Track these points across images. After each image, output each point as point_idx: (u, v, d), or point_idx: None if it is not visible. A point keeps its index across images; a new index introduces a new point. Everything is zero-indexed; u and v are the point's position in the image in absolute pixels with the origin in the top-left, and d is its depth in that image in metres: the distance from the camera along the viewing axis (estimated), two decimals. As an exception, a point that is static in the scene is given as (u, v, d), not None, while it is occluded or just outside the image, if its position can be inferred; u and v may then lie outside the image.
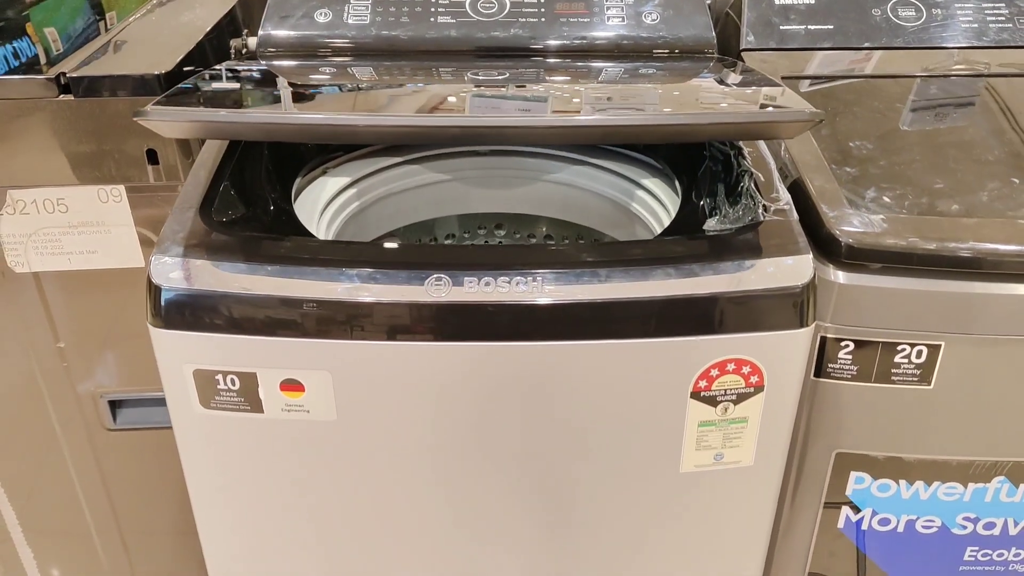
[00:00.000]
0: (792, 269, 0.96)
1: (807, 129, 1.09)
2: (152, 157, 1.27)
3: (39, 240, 1.33)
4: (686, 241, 1.02)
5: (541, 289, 0.93)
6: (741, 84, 1.19)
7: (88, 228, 1.32)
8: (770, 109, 1.02)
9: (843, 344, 1.06)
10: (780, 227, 1.01)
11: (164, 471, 1.51)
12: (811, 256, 0.97)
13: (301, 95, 1.13)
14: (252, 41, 1.42)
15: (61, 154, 1.27)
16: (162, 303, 0.94)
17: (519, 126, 0.99)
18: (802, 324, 0.96)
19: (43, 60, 1.41)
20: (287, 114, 0.97)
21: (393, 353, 0.95)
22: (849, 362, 1.07)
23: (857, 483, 1.17)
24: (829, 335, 1.06)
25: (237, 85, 1.13)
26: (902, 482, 1.16)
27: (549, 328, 0.94)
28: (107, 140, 1.26)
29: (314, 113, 1.00)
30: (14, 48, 1.33)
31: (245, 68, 1.23)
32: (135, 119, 0.90)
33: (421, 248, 1.06)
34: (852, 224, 1.03)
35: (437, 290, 0.93)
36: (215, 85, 1.11)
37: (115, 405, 1.49)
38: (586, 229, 1.52)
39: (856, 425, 1.12)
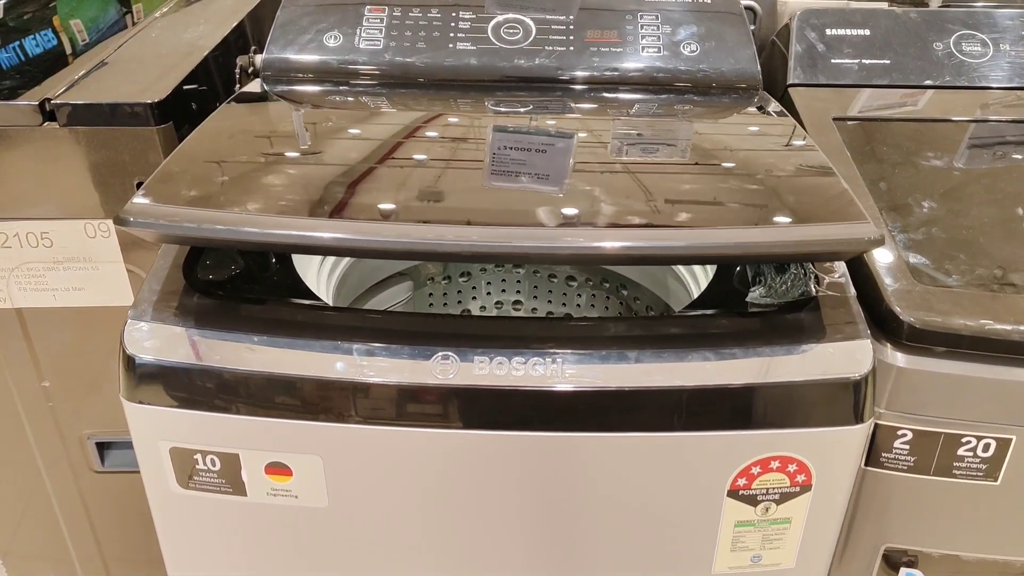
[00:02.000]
0: (849, 357, 0.84)
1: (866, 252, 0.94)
2: (143, 191, 1.17)
3: (22, 275, 1.23)
4: (726, 319, 0.90)
5: (561, 373, 0.82)
6: (785, 161, 1.03)
7: (74, 264, 1.23)
8: (823, 233, 0.84)
9: (900, 433, 0.94)
10: (835, 304, 0.89)
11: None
12: (870, 342, 0.85)
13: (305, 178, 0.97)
14: (259, 59, 1.32)
15: (45, 185, 1.17)
16: (135, 375, 0.84)
17: (541, 251, 0.84)
18: (858, 420, 0.85)
19: (68, 51, 1.35)
20: (287, 231, 0.81)
21: (392, 439, 0.84)
22: (906, 452, 0.95)
23: (908, 580, 1.05)
24: (884, 422, 0.94)
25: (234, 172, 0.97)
26: (959, 582, 1.04)
27: (568, 418, 0.83)
28: (95, 171, 1.16)
29: (315, 231, 0.82)
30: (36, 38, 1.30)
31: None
32: (115, 224, 0.80)
33: (427, 319, 0.94)
34: (915, 300, 0.91)
35: (443, 369, 0.82)
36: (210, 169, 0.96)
37: (103, 447, 1.40)
38: (613, 274, 1.41)
39: (909, 519, 1.00)
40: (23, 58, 1.30)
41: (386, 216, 0.85)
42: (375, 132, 1.11)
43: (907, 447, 0.95)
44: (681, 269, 1.22)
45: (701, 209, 0.89)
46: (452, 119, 1.18)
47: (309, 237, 0.80)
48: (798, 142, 1.05)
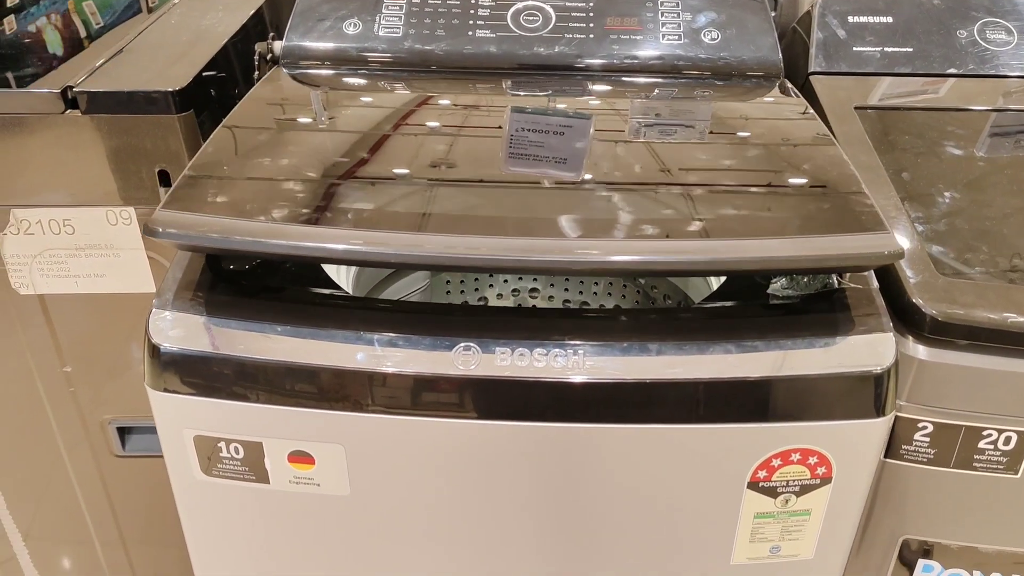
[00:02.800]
0: (871, 350, 0.84)
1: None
2: (164, 179, 1.18)
3: (44, 262, 1.24)
4: (747, 311, 0.90)
5: (582, 364, 0.82)
6: (806, 161, 1.00)
7: (96, 251, 1.23)
8: (842, 248, 0.82)
9: (921, 426, 0.94)
10: (857, 297, 0.89)
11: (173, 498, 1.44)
12: (893, 335, 0.85)
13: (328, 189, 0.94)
14: (277, 46, 1.32)
15: (67, 172, 1.18)
16: (160, 364, 0.85)
17: (565, 263, 0.83)
18: (879, 413, 0.85)
19: (83, 34, 1.37)
20: (310, 243, 0.81)
21: (413, 429, 0.85)
22: (926, 445, 0.95)
23: (925, 571, 1.05)
24: (905, 414, 0.94)
25: (259, 177, 0.95)
26: (977, 573, 1.04)
27: (589, 409, 0.83)
28: (116, 158, 1.17)
29: (336, 243, 0.81)
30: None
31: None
32: (144, 234, 0.80)
33: (449, 309, 0.94)
34: (938, 293, 0.90)
35: (465, 360, 0.83)
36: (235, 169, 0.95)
37: (124, 432, 1.41)
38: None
39: (928, 511, 1.00)
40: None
41: (406, 223, 0.85)
42: (397, 124, 1.11)
43: (927, 439, 0.95)
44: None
45: (716, 215, 0.88)
46: (476, 109, 1.17)
47: (329, 250, 0.81)
48: (819, 139, 1.04)
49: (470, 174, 0.98)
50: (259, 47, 1.36)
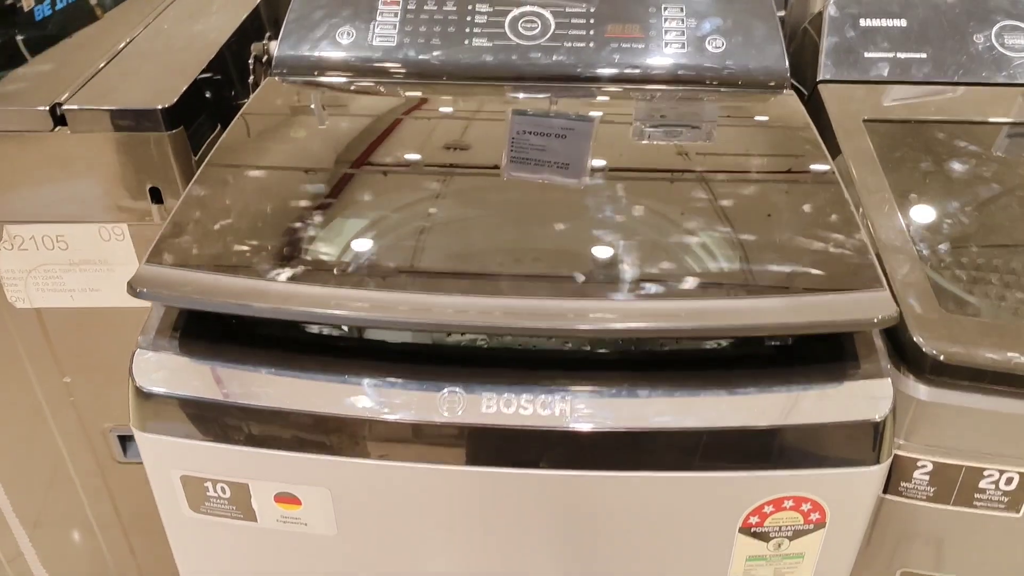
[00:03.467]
0: (868, 396, 0.82)
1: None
2: (156, 196, 1.16)
3: (39, 276, 1.24)
4: (740, 353, 0.88)
5: (569, 412, 0.81)
6: (803, 208, 0.95)
7: (90, 266, 1.23)
8: (831, 313, 0.80)
9: (920, 464, 0.92)
10: (855, 336, 0.86)
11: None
12: (891, 381, 0.83)
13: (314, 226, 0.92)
14: (273, 46, 1.29)
15: (59, 189, 1.17)
16: (145, 406, 0.84)
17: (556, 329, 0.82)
18: (876, 461, 0.82)
19: (93, 2, 1.40)
20: (299, 308, 0.80)
21: (399, 474, 0.83)
22: (925, 483, 0.93)
23: (924, 603, 1.03)
24: (904, 452, 0.92)
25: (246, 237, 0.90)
26: (976, 607, 1.02)
27: (576, 457, 0.82)
28: (107, 176, 1.15)
29: (329, 309, 0.80)
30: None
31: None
32: (128, 293, 0.79)
33: (436, 352, 0.93)
34: (940, 331, 0.88)
35: (450, 405, 0.81)
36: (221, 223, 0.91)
37: (125, 439, 1.42)
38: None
39: (927, 546, 0.99)
40: (51, 12, 1.34)
41: (404, 277, 0.84)
42: (393, 141, 1.08)
43: (927, 478, 0.93)
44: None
45: (704, 269, 0.85)
46: (475, 120, 1.15)
47: (319, 315, 0.80)
48: (820, 170, 1.00)
49: (469, 205, 0.97)
50: (255, 48, 1.33)
